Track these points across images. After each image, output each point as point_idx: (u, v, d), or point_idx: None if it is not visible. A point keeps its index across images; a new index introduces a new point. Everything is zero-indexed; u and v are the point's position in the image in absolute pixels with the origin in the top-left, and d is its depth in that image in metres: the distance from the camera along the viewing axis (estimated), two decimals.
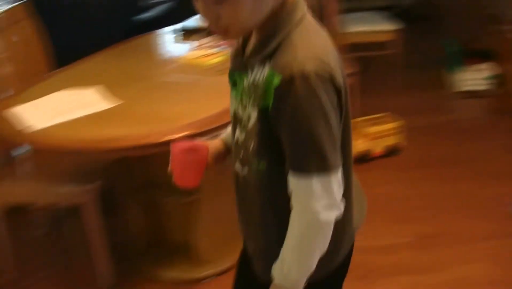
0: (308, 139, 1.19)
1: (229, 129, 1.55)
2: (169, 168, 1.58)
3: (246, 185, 1.39)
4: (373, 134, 3.81)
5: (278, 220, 1.33)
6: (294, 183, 1.24)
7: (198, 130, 2.21)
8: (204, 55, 3.03)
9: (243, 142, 1.34)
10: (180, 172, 1.59)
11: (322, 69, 1.17)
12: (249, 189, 1.38)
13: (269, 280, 1.37)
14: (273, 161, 1.28)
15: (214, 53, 3.05)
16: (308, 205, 1.23)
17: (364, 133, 3.83)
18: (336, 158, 1.22)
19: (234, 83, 1.35)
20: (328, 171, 1.21)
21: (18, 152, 3.22)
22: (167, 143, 1.67)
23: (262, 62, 1.23)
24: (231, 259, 2.81)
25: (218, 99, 2.05)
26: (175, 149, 1.58)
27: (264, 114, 1.22)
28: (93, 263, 2.71)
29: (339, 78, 1.21)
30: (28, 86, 2.99)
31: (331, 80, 1.19)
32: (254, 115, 1.26)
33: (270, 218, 1.37)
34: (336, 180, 1.23)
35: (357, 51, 4.33)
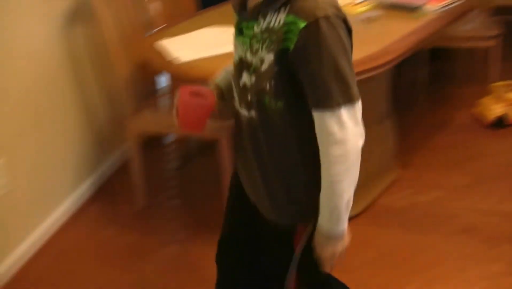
0: (334, 73, 1.30)
1: (222, 75, 1.69)
2: (174, 110, 1.63)
3: (252, 127, 1.47)
4: (511, 100, 3.66)
5: (301, 156, 1.47)
6: (323, 118, 1.34)
7: None
8: (352, 3, 3.06)
9: (253, 85, 1.42)
10: (184, 115, 1.61)
11: (339, 13, 1.34)
12: (258, 131, 1.47)
13: (277, 220, 1.58)
14: (290, 99, 1.38)
15: (361, 2, 3.10)
16: (344, 136, 1.33)
17: (502, 98, 3.70)
18: (357, 89, 1.34)
19: (240, 32, 1.46)
20: (353, 101, 1.33)
21: (161, 85, 3.38)
22: None
23: (277, 10, 1.34)
24: (356, 208, 2.86)
25: (363, 46, 2.19)
26: (182, 91, 1.60)
27: (282, 56, 1.33)
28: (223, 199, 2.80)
29: (349, 23, 1.37)
30: (176, 23, 3.10)
31: (345, 22, 1.36)
32: (269, 58, 1.36)
33: (290, 154, 1.47)
34: (360, 110, 1.35)
35: (502, 14, 4.13)
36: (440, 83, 4.24)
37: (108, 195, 3.35)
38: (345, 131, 1.33)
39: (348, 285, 2.37)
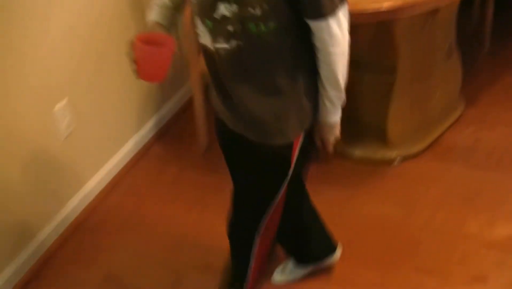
0: None
1: (157, 11, 1.68)
2: (131, 62, 1.57)
3: (236, 57, 1.51)
4: None
5: (295, 70, 1.58)
6: (327, 24, 1.45)
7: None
8: None
9: (236, 14, 1.43)
10: (143, 65, 1.53)
11: None
12: (244, 59, 1.52)
13: (275, 141, 1.70)
14: (283, 18, 1.46)
15: None
16: (343, 34, 1.49)
17: None
18: None
19: None
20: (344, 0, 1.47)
21: None
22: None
23: None
24: (419, 145, 2.84)
25: None
26: (137, 39, 1.51)
27: None
28: None
29: None
30: None
31: None
32: None
33: (283, 72, 1.56)
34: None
35: None
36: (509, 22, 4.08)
37: (171, 135, 3.43)
38: (343, 30, 1.48)
39: (409, 221, 2.43)
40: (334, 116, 1.67)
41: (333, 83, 1.56)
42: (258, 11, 1.40)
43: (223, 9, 1.43)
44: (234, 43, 1.47)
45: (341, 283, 2.39)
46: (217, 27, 1.48)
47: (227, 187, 2.03)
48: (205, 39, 1.53)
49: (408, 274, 2.43)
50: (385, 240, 2.60)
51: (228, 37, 1.47)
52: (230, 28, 1.45)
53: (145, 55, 1.50)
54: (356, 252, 2.52)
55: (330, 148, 1.79)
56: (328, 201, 2.79)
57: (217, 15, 1.45)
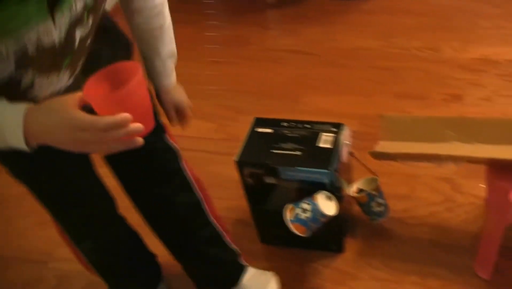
0: None
1: None
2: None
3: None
4: None
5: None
6: None
7: None
8: None
9: (93, 23, 1.18)
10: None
11: None
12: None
13: None
14: None
15: None
16: None
17: None
18: None
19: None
20: None
21: None
22: None
23: None
24: None
25: None
26: (92, 90, 1.02)
27: None
28: None
29: None
30: None
31: None
32: None
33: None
34: None
35: None
36: None
37: None
38: None
39: (386, 50, 2.65)
40: (174, 75, 1.57)
41: (173, 51, 1.52)
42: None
43: (80, 31, 1.16)
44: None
45: (325, 113, 2.62)
46: (78, 56, 1.24)
47: None
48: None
49: (389, 100, 2.67)
50: (364, 69, 2.84)
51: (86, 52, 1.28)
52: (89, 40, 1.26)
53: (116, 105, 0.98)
54: (336, 81, 2.76)
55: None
56: (306, 38, 2.99)
57: (77, 43, 1.18)
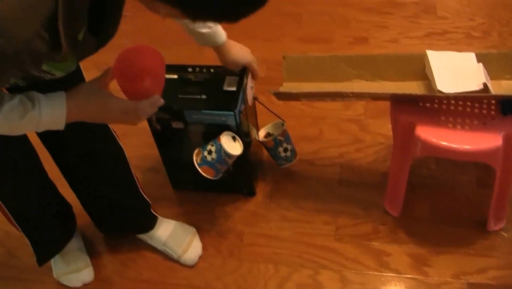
0: None
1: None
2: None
3: None
4: None
5: None
6: None
7: None
8: None
9: None
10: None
11: None
12: None
13: None
14: None
15: None
16: None
17: None
18: None
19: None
20: None
21: None
22: None
23: None
24: None
25: None
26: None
27: None
28: None
29: None
30: None
31: None
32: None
33: None
34: None
35: None
36: None
37: None
38: None
39: None
40: None
41: None
42: None
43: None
44: None
45: None
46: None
47: None
48: None
49: (293, 44, 2.73)
50: (268, 15, 2.84)
51: None
52: None
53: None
54: (240, 28, 2.76)
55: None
56: None
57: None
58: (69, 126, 1.20)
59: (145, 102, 1.23)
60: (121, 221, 1.89)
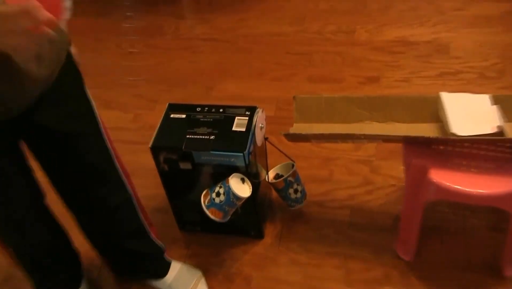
0: None
1: None
2: None
3: None
4: None
5: None
6: None
7: None
8: None
9: None
10: None
11: None
12: None
13: None
14: None
15: None
16: None
17: None
18: None
19: None
20: None
21: None
22: None
23: None
24: None
25: None
26: None
27: None
28: None
29: None
30: None
31: None
32: None
33: None
34: None
35: None
36: None
37: None
38: None
39: (301, 35, 2.67)
40: None
41: None
42: None
43: None
44: None
45: (240, 99, 2.64)
46: None
47: None
48: None
49: (303, 84, 2.71)
50: (278, 55, 2.86)
51: None
52: None
53: None
54: (250, 68, 2.78)
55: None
56: (220, 26, 3.00)
57: None
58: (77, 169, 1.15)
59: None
60: (133, 267, 1.85)
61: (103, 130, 1.51)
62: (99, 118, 1.48)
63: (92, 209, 1.63)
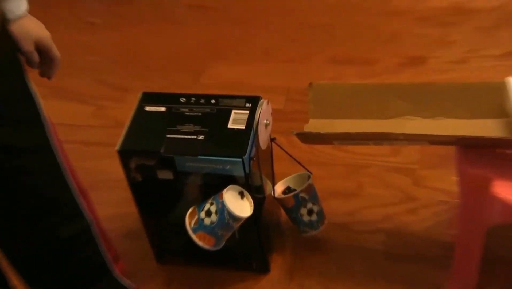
0: None
1: None
2: None
3: None
4: None
5: None
6: None
7: None
8: None
9: None
10: None
11: None
12: None
13: None
14: None
15: None
16: None
17: None
18: None
19: None
20: None
21: None
22: None
23: None
24: None
25: None
26: None
27: None
28: None
29: None
30: None
31: None
32: None
33: None
34: None
35: None
36: None
37: None
38: None
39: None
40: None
41: None
42: None
43: None
44: None
45: (237, 87, 2.66)
46: None
47: None
48: None
49: (323, 67, 2.74)
50: (289, 28, 2.85)
51: None
52: None
53: None
54: (251, 46, 2.76)
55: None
56: None
57: None
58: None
59: None
60: None
61: (53, 140, 1.49)
62: (48, 124, 1.47)
63: (34, 245, 1.62)
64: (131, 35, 2.94)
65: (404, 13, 2.85)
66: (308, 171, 2.00)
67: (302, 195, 1.96)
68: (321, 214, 2.03)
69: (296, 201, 1.97)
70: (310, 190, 1.98)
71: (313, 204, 1.99)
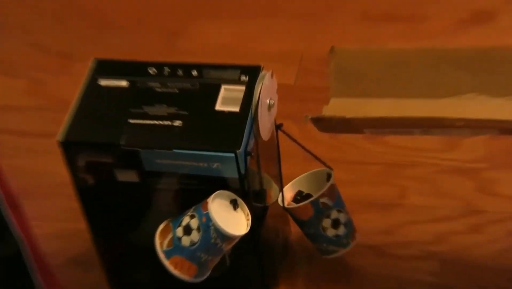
0: None
1: None
2: None
3: None
4: None
5: None
6: None
7: None
8: None
9: None
10: None
11: None
12: None
13: None
14: None
15: None
16: None
17: None
18: None
19: None
20: None
21: None
22: None
23: None
24: None
25: None
26: None
27: None
28: None
29: None
30: None
31: None
32: None
33: None
34: None
35: None
36: None
37: None
38: None
39: None
40: None
41: None
42: None
43: None
44: None
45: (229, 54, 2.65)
46: None
47: None
48: None
49: (351, 24, 2.77)
50: None
51: None
52: None
53: None
54: None
55: None
56: None
57: None
58: None
59: None
60: None
61: None
62: None
63: None
64: None
65: None
66: (328, 167, 1.99)
67: (324, 200, 1.96)
68: (350, 225, 2.03)
69: (316, 209, 1.96)
70: (333, 192, 1.98)
71: (339, 211, 1.99)
